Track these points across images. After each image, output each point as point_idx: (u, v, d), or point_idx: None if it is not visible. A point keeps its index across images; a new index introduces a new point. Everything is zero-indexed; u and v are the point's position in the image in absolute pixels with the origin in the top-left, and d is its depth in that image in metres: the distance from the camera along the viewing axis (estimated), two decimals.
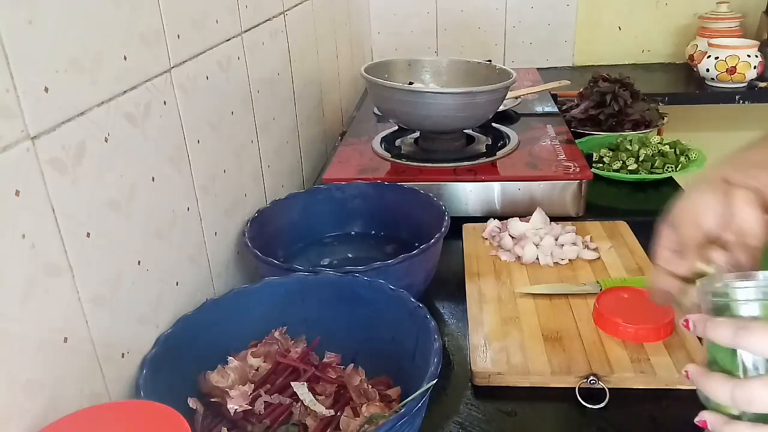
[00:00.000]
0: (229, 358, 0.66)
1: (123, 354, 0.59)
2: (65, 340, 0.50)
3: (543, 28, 2.07)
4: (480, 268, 0.90)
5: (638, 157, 1.21)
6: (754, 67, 1.77)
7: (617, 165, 1.21)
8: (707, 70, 1.82)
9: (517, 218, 0.98)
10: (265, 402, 0.62)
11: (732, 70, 1.77)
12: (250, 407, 0.61)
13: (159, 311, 0.66)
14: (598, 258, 0.91)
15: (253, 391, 0.63)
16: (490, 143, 1.20)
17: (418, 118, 1.11)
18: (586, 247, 0.93)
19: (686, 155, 1.23)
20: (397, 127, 1.28)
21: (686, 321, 0.45)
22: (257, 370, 0.67)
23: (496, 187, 1.05)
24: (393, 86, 1.10)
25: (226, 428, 0.60)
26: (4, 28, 0.44)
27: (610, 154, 1.25)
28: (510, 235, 0.95)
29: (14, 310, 0.45)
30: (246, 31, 0.91)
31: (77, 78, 0.52)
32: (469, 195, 1.05)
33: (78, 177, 0.52)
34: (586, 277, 0.86)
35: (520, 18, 2.06)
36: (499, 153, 1.14)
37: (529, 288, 0.84)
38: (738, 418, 0.43)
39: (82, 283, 0.52)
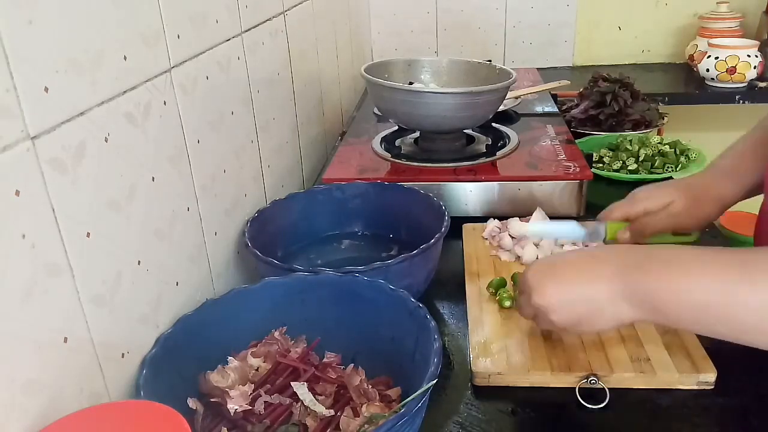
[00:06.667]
0: (229, 358, 0.66)
1: (123, 354, 0.59)
2: (65, 340, 0.50)
3: (543, 28, 2.07)
4: (480, 268, 0.90)
5: (638, 157, 1.21)
6: (754, 67, 1.77)
7: (617, 165, 1.21)
8: (707, 70, 1.82)
9: (517, 218, 0.98)
10: (265, 402, 0.62)
11: (732, 70, 1.77)
12: (250, 407, 0.61)
13: (159, 311, 0.66)
14: None
15: (253, 391, 0.63)
16: (490, 143, 1.20)
17: (418, 118, 1.11)
18: (586, 246, 0.93)
19: (686, 155, 1.23)
20: (397, 127, 1.28)
21: None
22: (257, 370, 0.67)
23: (496, 187, 1.05)
24: (393, 86, 1.10)
25: (226, 428, 0.60)
26: (4, 28, 0.44)
27: (610, 154, 1.25)
28: (510, 235, 0.95)
29: (14, 310, 0.45)
30: (246, 31, 0.91)
31: (77, 78, 0.52)
32: (469, 195, 1.05)
33: (78, 177, 0.52)
34: None
35: (520, 18, 2.06)
36: (499, 153, 1.14)
37: None
38: None
39: (82, 283, 0.52)
